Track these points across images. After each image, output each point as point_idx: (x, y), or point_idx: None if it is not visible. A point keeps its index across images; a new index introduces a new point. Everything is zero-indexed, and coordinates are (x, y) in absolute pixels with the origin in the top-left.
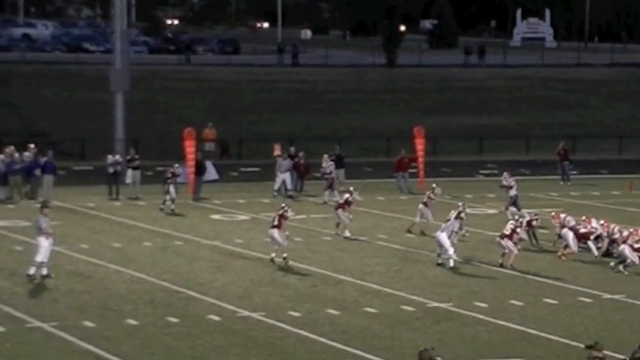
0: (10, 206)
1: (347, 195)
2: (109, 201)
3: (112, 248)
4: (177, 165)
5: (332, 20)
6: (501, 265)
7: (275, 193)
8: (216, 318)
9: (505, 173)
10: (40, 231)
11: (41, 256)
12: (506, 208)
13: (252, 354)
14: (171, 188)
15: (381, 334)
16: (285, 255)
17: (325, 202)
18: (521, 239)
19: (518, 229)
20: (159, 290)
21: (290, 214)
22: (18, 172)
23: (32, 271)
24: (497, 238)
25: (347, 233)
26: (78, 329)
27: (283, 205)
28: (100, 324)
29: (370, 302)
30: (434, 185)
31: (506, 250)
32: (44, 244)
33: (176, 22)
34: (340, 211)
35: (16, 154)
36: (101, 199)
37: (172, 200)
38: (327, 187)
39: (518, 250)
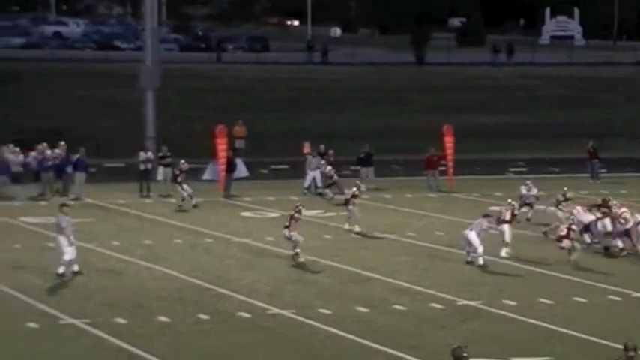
0: (43, 203)
1: (354, 189)
2: (139, 198)
3: (142, 245)
4: (183, 161)
5: (361, 18)
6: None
7: (305, 191)
8: (246, 315)
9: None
10: (61, 230)
11: (68, 254)
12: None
13: (281, 351)
14: (184, 185)
15: (410, 332)
16: (297, 250)
17: (332, 198)
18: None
19: (573, 227)
20: (189, 287)
21: (302, 215)
22: (50, 169)
23: (62, 269)
24: (556, 242)
25: (357, 228)
26: (110, 326)
27: (298, 204)
28: (131, 321)
29: (399, 300)
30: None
31: (568, 248)
32: (64, 242)
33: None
34: (352, 206)
35: (48, 152)
36: (132, 196)
37: (190, 196)
38: (329, 186)
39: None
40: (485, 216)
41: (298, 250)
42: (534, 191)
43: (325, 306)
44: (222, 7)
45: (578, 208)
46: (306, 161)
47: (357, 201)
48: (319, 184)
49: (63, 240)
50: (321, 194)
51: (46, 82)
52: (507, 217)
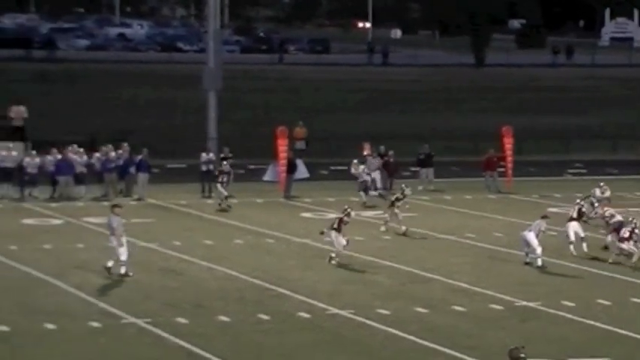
0: (105, 203)
1: (398, 193)
2: (201, 199)
3: (203, 245)
4: (225, 162)
5: (421, 20)
6: (611, 263)
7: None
8: (306, 315)
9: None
10: (112, 230)
11: (124, 254)
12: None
13: (340, 351)
14: (220, 187)
15: (469, 333)
16: (333, 254)
17: (364, 203)
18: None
19: (636, 230)
20: (250, 287)
21: (350, 218)
22: (113, 170)
23: (123, 270)
24: (617, 243)
25: (403, 228)
26: (171, 325)
27: (346, 207)
28: (192, 320)
29: (458, 301)
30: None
31: (627, 252)
32: (115, 243)
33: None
34: (397, 209)
35: (113, 153)
36: (193, 196)
37: (226, 197)
38: (362, 189)
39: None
40: (544, 217)
41: (334, 254)
42: (608, 193)
43: (384, 306)
44: (284, 9)
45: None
46: (366, 162)
47: (399, 204)
48: (379, 185)
49: (114, 240)
50: (381, 195)
51: (109, 84)
52: (574, 214)
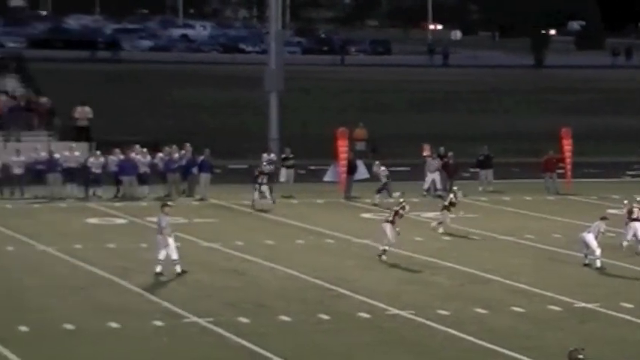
0: (169, 203)
1: (451, 195)
2: (262, 199)
3: (265, 246)
4: (265, 163)
5: (481, 21)
6: None
7: (425, 193)
8: (366, 316)
9: None
10: (160, 230)
11: (175, 253)
12: None
13: (400, 352)
14: (263, 187)
15: (528, 334)
16: (386, 248)
17: (376, 204)
18: None
19: None
20: (310, 287)
21: (406, 212)
22: (176, 170)
23: (179, 268)
24: None
25: (440, 229)
26: (232, 325)
27: (402, 200)
28: (253, 320)
29: (517, 302)
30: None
31: None
32: (162, 242)
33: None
34: (445, 211)
35: (176, 154)
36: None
37: (263, 196)
38: (380, 190)
39: None
40: (603, 218)
41: (387, 248)
42: None
43: (444, 307)
44: (344, 10)
45: None
46: (426, 163)
47: (453, 209)
48: (439, 186)
49: (160, 239)
50: (440, 196)
51: (172, 84)
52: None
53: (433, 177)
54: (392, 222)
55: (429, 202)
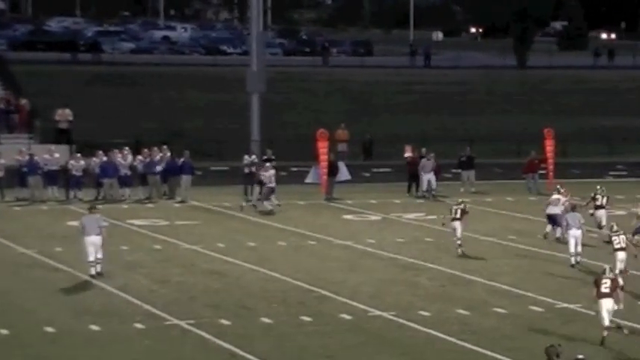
0: (150, 205)
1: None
2: (244, 201)
3: (247, 247)
4: (267, 164)
5: (463, 22)
6: None
7: (425, 194)
8: (348, 317)
9: None
10: (84, 230)
11: (91, 255)
12: None
13: (383, 353)
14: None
15: (510, 335)
16: (459, 242)
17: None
18: None
19: None
20: (292, 289)
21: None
22: (157, 172)
23: (92, 271)
24: None
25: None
26: (214, 327)
27: (460, 200)
28: (235, 322)
29: (499, 302)
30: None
31: None
32: (85, 242)
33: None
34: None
35: (158, 156)
36: (237, 199)
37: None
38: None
39: None
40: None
41: (460, 243)
42: None
43: (426, 308)
44: (327, 11)
45: None
46: (420, 164)
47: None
48: (434, 187)
49: (85, 240)
50: (434, 196)
51: (153, 86)
52: None
53: (428, 177)
54: (460, 219)
55: (415, 204)
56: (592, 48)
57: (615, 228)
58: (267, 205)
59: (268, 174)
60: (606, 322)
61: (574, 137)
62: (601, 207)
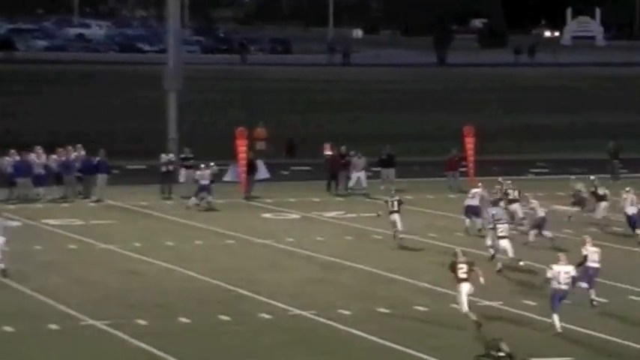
0: (65, 205)
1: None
2: (161, 200)
3: (164, 247)
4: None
5: (383, 20)
6: None
7: (350, 191)
8: (267, 316)
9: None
10: None
11: None
12: None
13: (302, 352)
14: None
15: (432, 333)
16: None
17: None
18: None
19: None
20: (210, 288)
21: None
22: (72, 171)
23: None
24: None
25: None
26: (130, 327)
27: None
28: (152, 322)
29: (421, 301)
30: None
31: None
32: None
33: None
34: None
35: (73, 155)
36: (154, 197)
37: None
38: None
39: None
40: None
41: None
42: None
43: (346, 307)
44: (245, 9)
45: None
46: (352, 162)
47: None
48: (364, 185)
49: None
50: (364, 194)
51: (68, 84)
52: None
53: (359, 175)
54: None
55: (331, 203)
56: (512, 45)
57: (499, 217)
58: (191, 202)
59: (201, 173)
60: (465, 308)
61: (494, 135)
62: (515, 200)
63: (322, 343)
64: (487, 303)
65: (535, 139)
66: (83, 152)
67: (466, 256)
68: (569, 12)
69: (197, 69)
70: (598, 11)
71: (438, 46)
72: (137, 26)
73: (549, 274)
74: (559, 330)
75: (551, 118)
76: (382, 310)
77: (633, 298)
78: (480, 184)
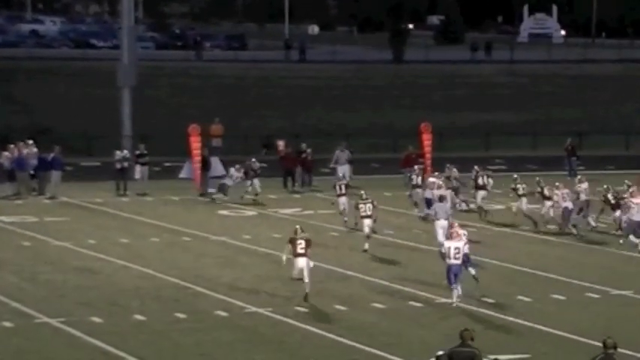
0: (18, 202)
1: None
2: (116, 197)
3: (119, 244)
4: (253, 159)
5: (339, 16)
6: None
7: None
8: (223, 314)
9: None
10: None
11: None
12: None
13: (259, 349)
14: (255, 180)
15: (389, 330)
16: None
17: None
18: None
19: None
20: (166, 286)
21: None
22: (25, 167)
23: None
24: None
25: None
26: (85, 325)
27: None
28: (107, 320)
29: (377, 298)
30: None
31: None
32: None
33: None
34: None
35: (25, 150)
36: (109, 194)
37: (256, 194)
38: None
39: None
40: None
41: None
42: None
43: (303, 304)
44: (200, 5)
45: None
46: (334, 157)
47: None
48: (347, 177)
49: None
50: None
51: (22, 81)
52: None
53: (343, 169)
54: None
55: (286, 199)
56: (469, 42)
57: (365, 196)
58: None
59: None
60: (297, 275)
61: (451, 131)
62: (483, 187)
63: (278, 340)
64: (444, 300)
65: (492, 136)
66: (35, 149)
67: (305, 233)
68: (525, 9)
69: (151, 65)
70: (555, 8)
71: (394, 43)
72: (91, 22)
73: (442, 250)
74: (455, 303)
75: (508, 114)
76: (339, 307)
77: (590, 295)
78: (436, 173)
